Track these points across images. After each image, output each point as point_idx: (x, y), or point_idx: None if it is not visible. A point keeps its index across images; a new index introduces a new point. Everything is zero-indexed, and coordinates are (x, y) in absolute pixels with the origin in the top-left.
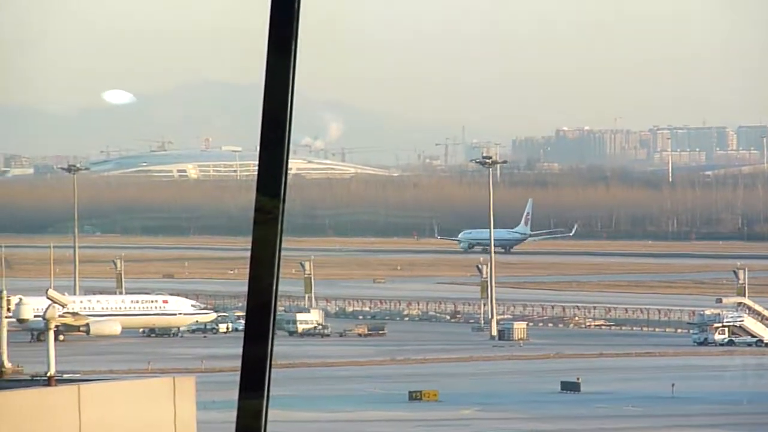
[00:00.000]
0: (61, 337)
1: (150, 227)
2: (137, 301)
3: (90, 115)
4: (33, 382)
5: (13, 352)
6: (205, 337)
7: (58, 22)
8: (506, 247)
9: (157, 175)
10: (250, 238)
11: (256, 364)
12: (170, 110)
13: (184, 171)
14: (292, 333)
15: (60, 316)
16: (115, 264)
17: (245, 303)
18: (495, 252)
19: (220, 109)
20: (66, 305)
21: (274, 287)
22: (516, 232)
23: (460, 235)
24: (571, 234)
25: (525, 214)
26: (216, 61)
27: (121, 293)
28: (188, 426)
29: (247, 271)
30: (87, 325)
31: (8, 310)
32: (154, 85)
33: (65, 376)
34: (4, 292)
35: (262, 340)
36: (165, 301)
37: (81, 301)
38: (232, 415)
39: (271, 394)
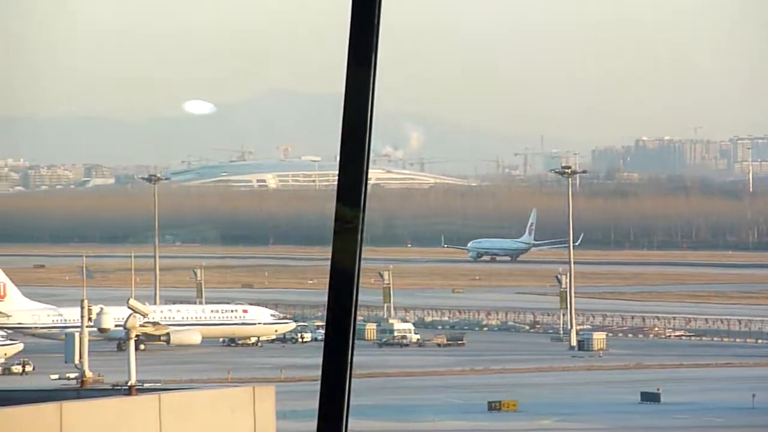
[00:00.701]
0: (142, 347)
1: (230, 237)
2: (217, 311)
3: (171, 124)
4: (114, 391)
5: (94, 361)
6: (284, 346)
7: (139, 34)
8: (512, 255)
9: (237, 184)
10: (329, 248)
11: (337, 373)
12: (250, 120)
13: (264, 181)
14: (384, 342)
15: (141, 325)
16: (195, 273)
17: (325, 313)
18: (501, 260)
19: (299, 119)
20: (147, 315)
21: (354, 297)
22: (520, 242)
23: (469, 245)
24: (577, 243)
25: (529, 224)
26: (296, 70)
27: (201, 303)
28: None
29: (327, 280)
30: (167, 334)
31: (90, 319)
32: (234, 95)
33: (146, 385)
34: (86, 302)
35: (342, 349)
36: (245, 311)
37: (161, 311)
38: (312, 424)
39: (351, 403)
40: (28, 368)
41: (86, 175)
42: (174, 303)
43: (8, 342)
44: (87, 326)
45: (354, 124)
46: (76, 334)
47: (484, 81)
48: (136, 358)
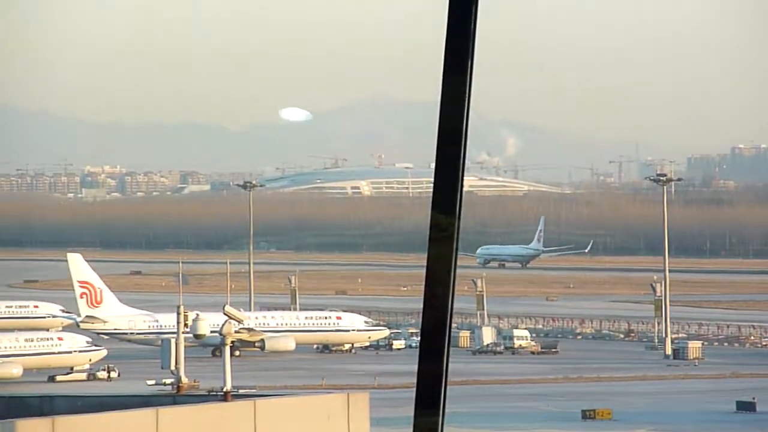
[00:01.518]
0: (237, 353)
1: (324, 244)
2: (311, 318)
3: (266, 132)
4: (210, 397)
5: (189, 367)
6: (377, 353)
7: (238, 44)
8: (522, 262)
9: (331, 191)
10: (422, 255)
11: (432, 380)
12: (345, 127)
13: (358, 188)
14: (509, 349)
15: (236, 332)
16: (290, 280)
17: (418, 320)
18: (511, 266)
19: (393, 126)
20: (242, 321)
21: (450, 304)
22: (530, 248)
23: (477, 251)
24: (586, 251)
25: (538, 231)
26: (390, 78)
27: (295, 309)
28: None
29: (421, 287)
30: (262, 340)
31: (186, 325)
32: (329, 103)
33: (241, 391)
34: (182, 308)
35: (437, 357)
36: (338, 318)
37: (256, 317)
38: (404, 431)
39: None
40: (113, 374)
41: (182, 182)
42: (268, 309)
43: (92, 348)
44: (183, 332)
45: (450, 132)
46: (172, 340)
47: (579, 89)
48: (231, 365)
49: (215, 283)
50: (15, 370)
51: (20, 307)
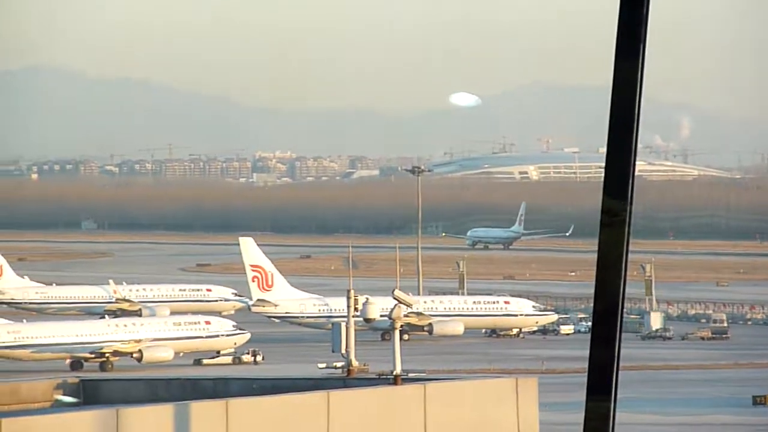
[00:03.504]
0: (406, 337)
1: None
2: (479, 302)
3: (433, 117)
4: (379, 380)
5: (359, 350)
6: (545, 338)
7: (402, 29)
8: (504, 244)
9: (499, 176)
10: (589, 240)
11: (604, 366)
12: (512, 112)
13: (526, 173)
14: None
15: (405, 316)
16: (458, 265)
17: (587, 305)
18: (495, 248)
19: (560, 111)
20: (411, 305)
21: (622, 290)
22: (511, 231)
23: (468, 233)
24: (567, 234)
25: (519, 215)
26: (557, 63)
27: (463, 294)
28: (531, 426)
29: (588, 273)
30: (430, 324)
31: (356, 309)
32: (497, 88)
33: (410, 375)
34: (352, 292)
35: (609, 342)
36: (506, 302)
37: (425, 302)
38: (573, 416)
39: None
40: (258, 358)
41: (351, 167)
42: (437, 294)
43: (238, 331)
44: (353, 316)
45: (622, 117)
46: (343, 324)
47: (749, 71)
48: (400, 348)
49: (384, 268)
50: (166, 353)
51: (193, 290)
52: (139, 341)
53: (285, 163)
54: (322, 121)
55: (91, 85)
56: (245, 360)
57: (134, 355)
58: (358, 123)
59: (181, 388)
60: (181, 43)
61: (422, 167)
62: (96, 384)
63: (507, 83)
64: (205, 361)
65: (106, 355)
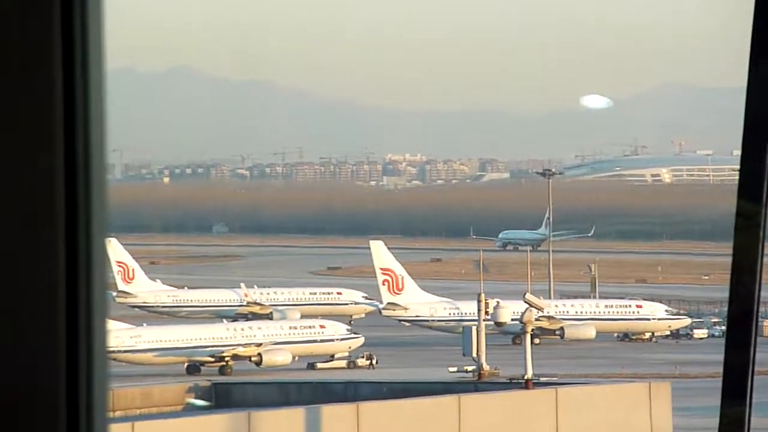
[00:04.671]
0: (537, 341)
1: (624, 231)
2: (611, 306)
3: (564, 119)
4: (511, 385)
5: (490, 354)
6: (677, 342)
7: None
8: (533, 245)
9: (631, 179)
10: (723, 244)
11: (739, 371)
12: (645, 114)
13: (658, 175)
14: None
15: (536, 319)
16: (590, 268)
17: (721, 309)
18: (523, 249)
19: (693, 112)
20: (542, 309)
21: (757, 294)
22: (537, 233)
23: (500, 235)
24: (590, 234)
25: (545, 218)
26: (689, 64)
27: (594, 297)
28: (665, 431)
29: (723, 276)
30: (561, 328)
31: (486, 313)
32: (629, 89)
33: (542, 379)
34: (482, 296)
35: (744, 347)
36: (639, 306)
37: (556, 305)
38: (707, 421)
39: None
40: (373, 361)
41: (481, 170)
42: (568, 298)
43: (352, 335)
44: (484, 320)
45: (757, 118)
46: (473, 328)
47: None
48: (531, 352)
49: (515, 271)
50: (283, 357)
51: (324, 293)
52: (259, 345)
53: (415, 165)
54: (452, 123)
55: (216, 87)
56: (360, 364)
57: (253, 358)
58: (488, 125)
59: (312, 392)
60: (302, 46)
61: (553, 170)
62: (227, 387)
63: (639, 86)
64: (318, 365)
65: (226, 358)
